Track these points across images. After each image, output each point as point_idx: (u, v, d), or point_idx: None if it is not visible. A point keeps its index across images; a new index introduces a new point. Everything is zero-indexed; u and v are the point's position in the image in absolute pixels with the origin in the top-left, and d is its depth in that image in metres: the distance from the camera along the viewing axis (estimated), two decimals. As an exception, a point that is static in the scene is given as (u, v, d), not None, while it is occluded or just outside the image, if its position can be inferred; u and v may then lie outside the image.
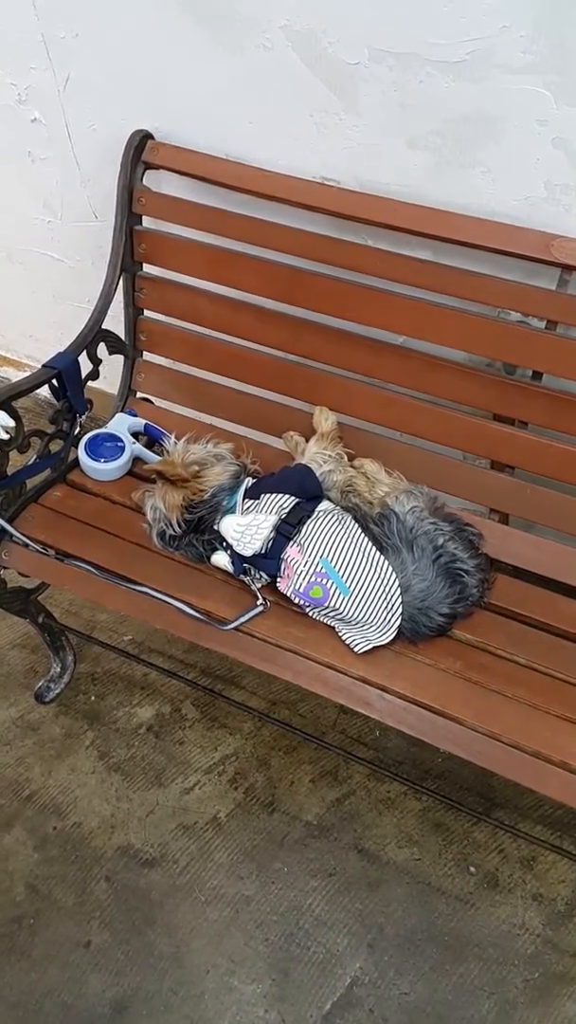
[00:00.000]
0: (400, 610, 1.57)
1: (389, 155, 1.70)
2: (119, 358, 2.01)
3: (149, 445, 1.96)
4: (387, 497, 1.69)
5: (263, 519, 1.63)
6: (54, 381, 1.78)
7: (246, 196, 1.79)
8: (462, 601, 1.62)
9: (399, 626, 1.58)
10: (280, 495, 1.67)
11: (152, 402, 2.07)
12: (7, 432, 1.66)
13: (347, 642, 1.60)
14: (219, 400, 1.99)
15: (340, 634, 1.61)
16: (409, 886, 1.86)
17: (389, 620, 1.57)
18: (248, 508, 1.67)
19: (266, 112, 1.77)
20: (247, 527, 1.63)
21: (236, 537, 1.64)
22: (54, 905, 1.84)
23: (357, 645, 1.59)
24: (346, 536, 1.62)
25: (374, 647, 1.59)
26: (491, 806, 1.96)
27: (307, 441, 1.82)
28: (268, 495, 1.67)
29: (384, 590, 1.57)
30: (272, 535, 1.62)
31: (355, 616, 1.58)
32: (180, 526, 1.67)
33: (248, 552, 1.63)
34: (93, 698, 2.16)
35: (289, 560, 1.61)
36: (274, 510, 1.64)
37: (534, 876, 1.88)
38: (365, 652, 1.58)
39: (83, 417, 1.87)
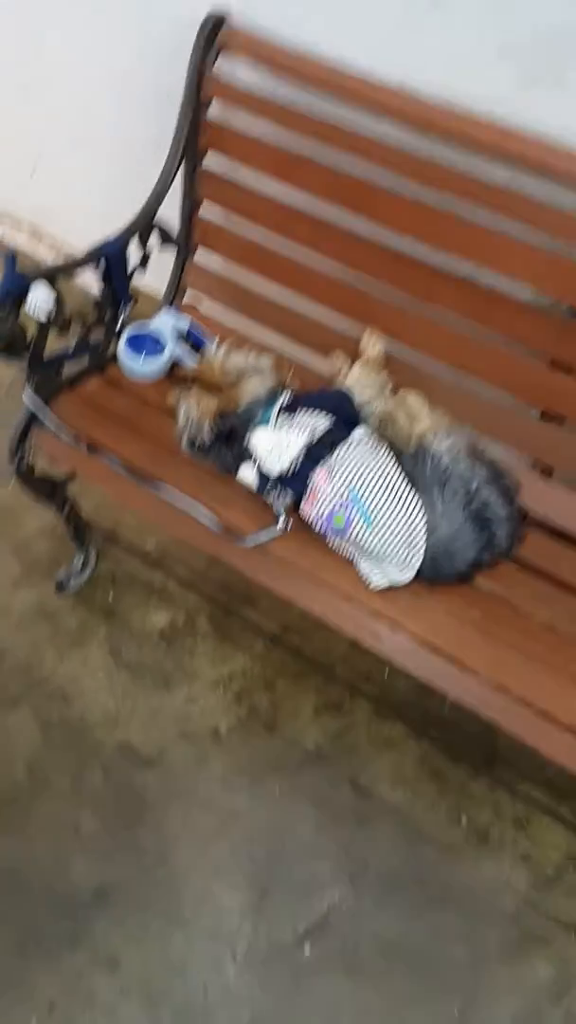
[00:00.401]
0: (423, 549, 1.51)
1: (474, 64, 1.58)
2: (169, 261, 1.94)
3: (192, 350, 1.90)
4: (426, 434, 1.61)
5: (295, 437, 1.58)
6: (101, 266, 1.73)
7: (319, 94, 1.67)
8: (489, 549, 1.56)
9: (419, 566, 1.53)
10: (316, 415, 1.61)
11: (199, 310, 2.01)
12: (47, 313, 1.63)
13: (364, 575, 1.56)
14: (267, 309, 1.92)
15: (358, 567, 1.57)
16: (398, 827, 1.85)
17: (410, 558, 1.52)
18: (281, 424, 1.62)
19: (350, 4, 1.64)
20: (277, 444, 1.59)
21: (265, 453, 1.59)
22: (50, 788, 1.89)
23: (373, 579, 1.55)
24: (377, 467, 1.56)
25: (391, 585, 1.54)
26: (492, 762, 1.92)
27: (351, 365, 1.75)
28: (304, 414, 1.62)
29: (409, 527, 1.51)
30: (301, 456, 1.57)
31: (375, 549, 1.53)
32: (211, 434, 1.63)
33: (275, 469, 1.58)
34: (111, 597, 2.18)
35: (316, 484, 1.56)
36: (307, 430, 1.59)
37: (526, 837, 1.84)
38: (382, 589, 1.54)
39: (127, 308, 1.82)
